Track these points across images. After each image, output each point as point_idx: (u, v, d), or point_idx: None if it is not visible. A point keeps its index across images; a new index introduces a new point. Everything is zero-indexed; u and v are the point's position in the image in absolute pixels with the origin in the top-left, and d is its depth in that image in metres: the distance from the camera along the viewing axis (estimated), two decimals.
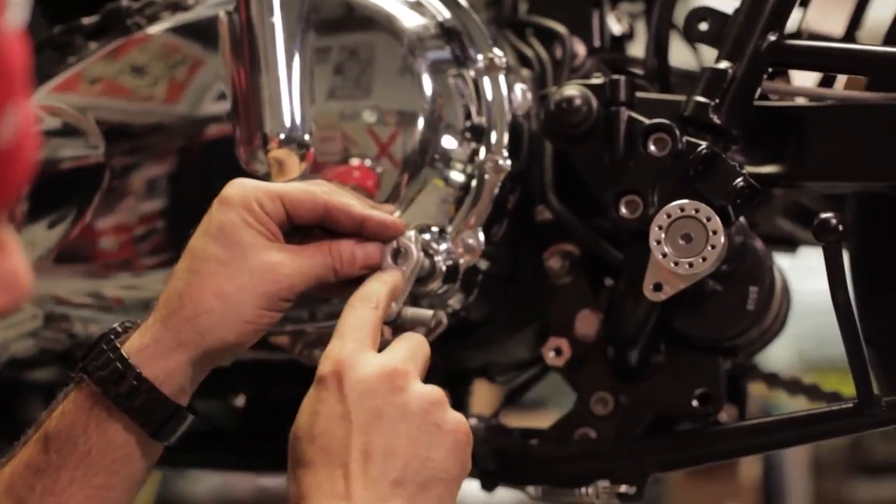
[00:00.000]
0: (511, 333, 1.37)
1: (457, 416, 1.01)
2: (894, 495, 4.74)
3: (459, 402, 1.45)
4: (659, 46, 1.33)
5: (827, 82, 1.39)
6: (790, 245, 1.55)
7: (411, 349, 1.03)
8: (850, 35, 1.40)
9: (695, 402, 1.25)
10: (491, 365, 1.48)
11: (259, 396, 1.42)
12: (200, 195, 1.11)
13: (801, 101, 1.29)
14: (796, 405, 1.46)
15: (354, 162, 1.26)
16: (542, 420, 1.38)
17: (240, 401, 1.41)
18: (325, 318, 1.26)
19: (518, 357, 1.46)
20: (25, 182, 0.67)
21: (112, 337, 1.07)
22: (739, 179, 1.16)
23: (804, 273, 1.49)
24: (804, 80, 1.33)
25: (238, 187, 1.09)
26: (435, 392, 1.01)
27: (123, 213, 1.35)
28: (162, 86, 1.35)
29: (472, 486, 1.21)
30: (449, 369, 1.44)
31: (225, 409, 1.44)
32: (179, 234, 1.11)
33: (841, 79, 1.32)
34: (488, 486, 1.30)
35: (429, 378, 1.42)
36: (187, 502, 4.58)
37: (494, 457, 1.28)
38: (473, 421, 1.32)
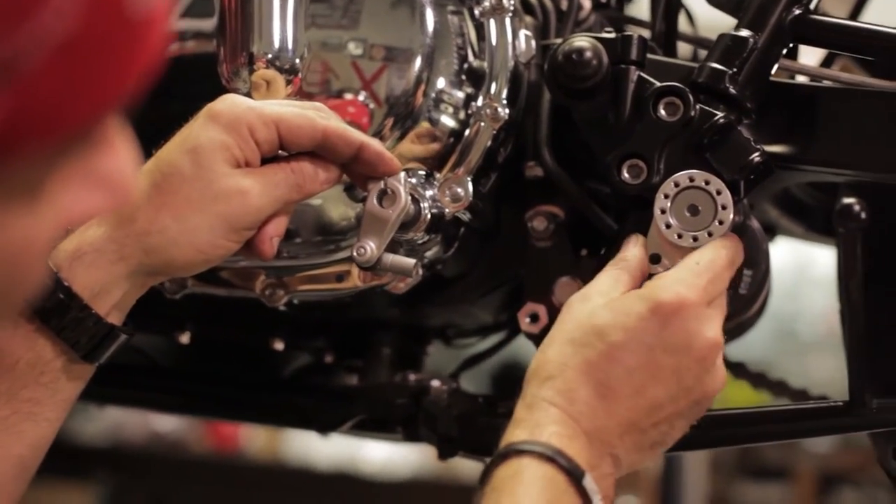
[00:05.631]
0: (481, 294, 1.28)
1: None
2: (780, 498, 4.84)
3: (415, 361, 1.37)
4: (669, 8, 1.25)
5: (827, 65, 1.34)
6: (769, 233, 1.49)
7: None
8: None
9: None
10: (450, 326, 1.40)
11: (206, 334, 1.32)
12: (166, 114, 1.02)
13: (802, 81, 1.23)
14: None
15: (348, 96, 1.17)
16: None
17: (185, 338, 1.31)
18: (289, 258, 1.17)
19: (481, 321, 1.38)
20: (148, 70, 0.57)
21: None
22: (756, 154, 1.09)
23: None
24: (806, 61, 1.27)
25: (230, 105, 1.00)
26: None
27: None
28: None
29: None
30: (407, 325, 1.36)
31: (168, 346, 1.34)
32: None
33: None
34: (447, 453, 1.22)
35: (384, 333, 1.35)
36: (76, 441, 4.45)
37: (458, 423, 1.20)
38: (436, 383, 1.24)
